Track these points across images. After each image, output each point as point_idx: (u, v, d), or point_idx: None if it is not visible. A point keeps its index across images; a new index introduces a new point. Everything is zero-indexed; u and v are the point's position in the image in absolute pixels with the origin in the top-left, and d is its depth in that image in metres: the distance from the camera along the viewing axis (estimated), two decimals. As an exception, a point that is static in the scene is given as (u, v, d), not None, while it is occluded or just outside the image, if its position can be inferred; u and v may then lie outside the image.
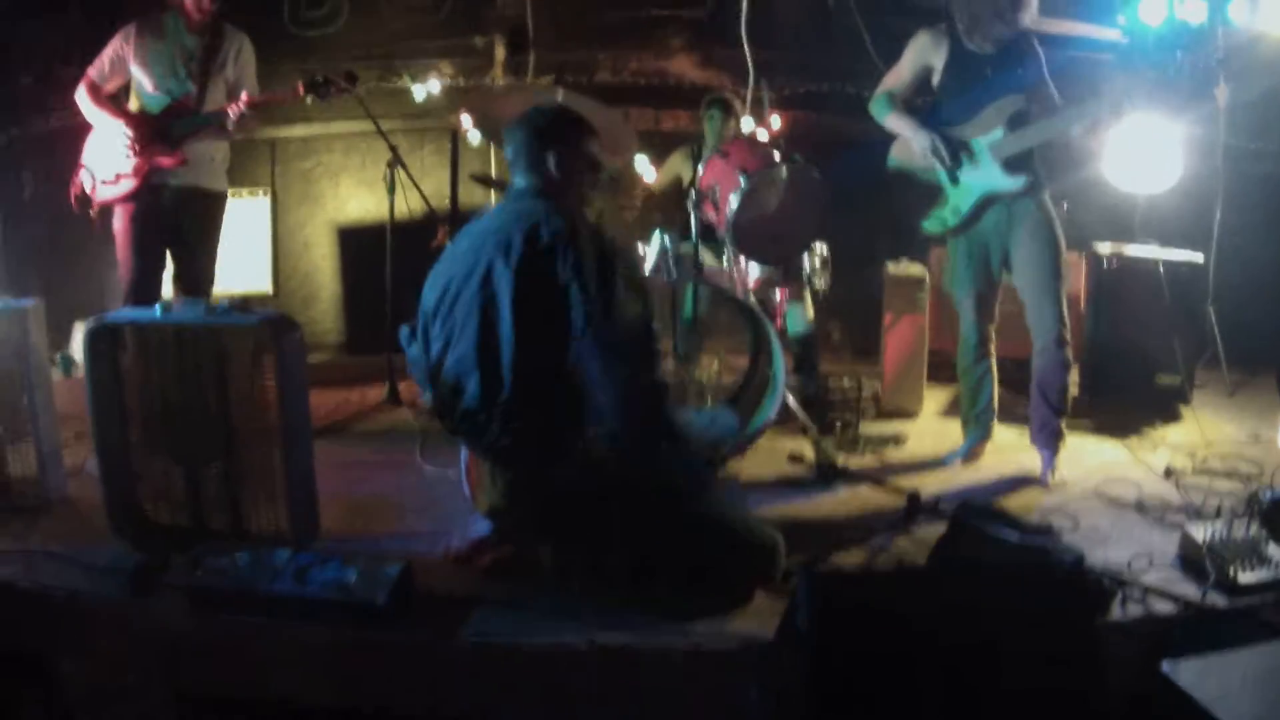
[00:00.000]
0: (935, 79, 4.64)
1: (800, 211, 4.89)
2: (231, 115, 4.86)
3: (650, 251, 4.99)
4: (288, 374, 3.55)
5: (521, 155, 3.57)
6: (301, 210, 7.71)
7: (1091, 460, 4.94)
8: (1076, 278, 6.04)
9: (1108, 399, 5.69)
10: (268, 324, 3.55)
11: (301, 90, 4.97)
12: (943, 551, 3.45)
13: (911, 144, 4.67)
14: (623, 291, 3.30)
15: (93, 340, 3.64)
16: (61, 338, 6.48)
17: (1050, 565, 2.93)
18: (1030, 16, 4.41)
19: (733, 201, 4.68)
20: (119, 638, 3.24)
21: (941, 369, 5.87)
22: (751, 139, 5.36)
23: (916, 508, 3.74)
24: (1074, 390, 5.20)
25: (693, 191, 4.93)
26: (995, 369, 4.86)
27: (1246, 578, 3.33)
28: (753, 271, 5.26)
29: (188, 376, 3.61)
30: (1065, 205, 6.04)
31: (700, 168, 5.03)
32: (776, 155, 4.82)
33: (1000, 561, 3.19)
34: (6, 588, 3.36)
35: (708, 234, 5.10)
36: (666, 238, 4.95)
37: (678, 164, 6.38)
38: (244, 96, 4.90)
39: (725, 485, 4.34)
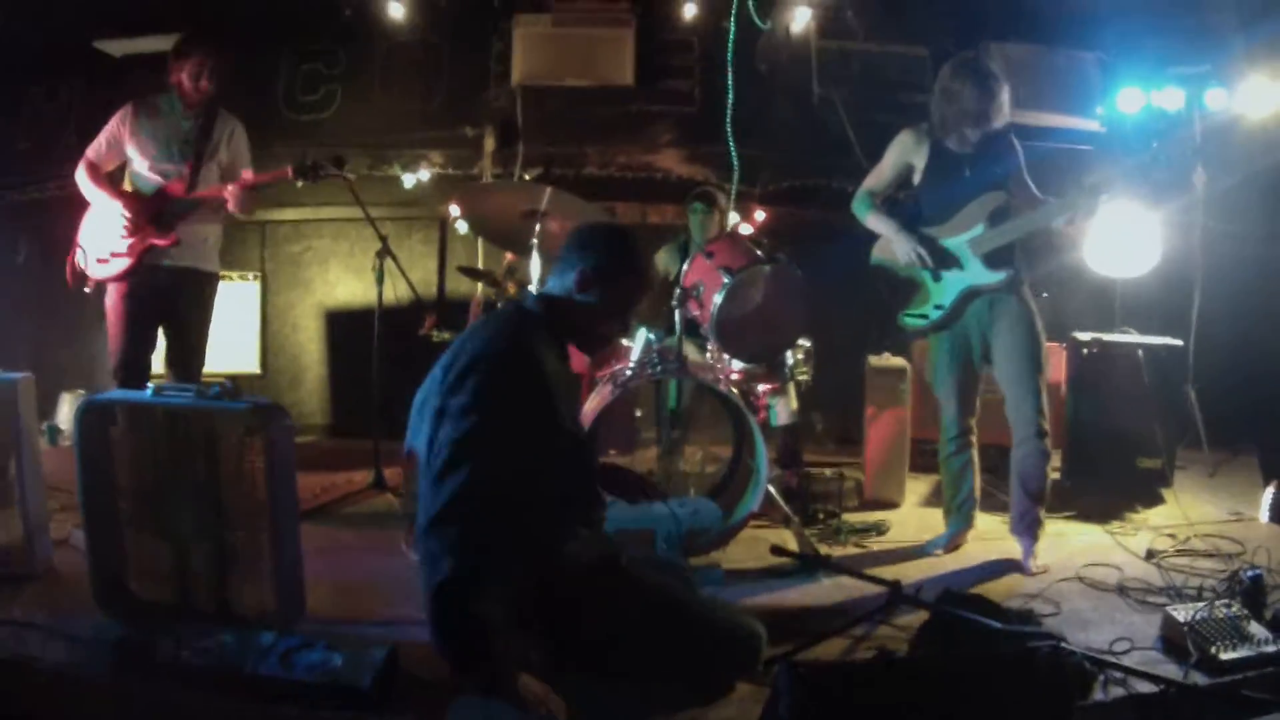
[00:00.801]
0: (916, 177, 4.74)
1: (783, 310, 4.96)
2: (229, 196, 4.97)
3: (634, 347, 5.04)
4: (277, 459, 3.56)
5: (558, 262, 3.34)
6: (291, 293, 7.79)
7: (1073, 545, 4.97)
8: (1057, 365, 6.11)
9: (1089, 483, 5.76)
10: (258, 410, 3.56)
11: (290, 173, 5.06)
12: (924, 640, 3.46)
13: (893, 246, 4.75)
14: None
15: (84, 417, 3.66)
16: (48, 407, 6.49)
17: (1029, 651, 2.94)
18: (1001, 119, 4.52)
19: (717, 300, 4.74)
20: (105, 714, 3.22)
21: (924, 458, 5.92)
22: (735, 237, 5.44)
23: (898, 597, 3.74)
24: (1055, 475, 5.24)
25: (677, 289, 5.00)
26: (977, 459, 4.89)
27: (1228, 656, 3.35)
28: (736, 364, 5.30)
29: (178, 458, 3.62)
30: (1045, 295, 6.13)
31: (686, 265, 5.11)
32: (760, 254, 4.88)
33: (980, 649, 3.21)
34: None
35: (691, 329, 5.17)
36: (651, 335, 5.01)
37: (664, 259, 6.46)
38: (245, 175, 5.02)
39: (707, 576, 4.35)
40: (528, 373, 3.01)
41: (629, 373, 4.92)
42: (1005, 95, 4.49)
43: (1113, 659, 3.41)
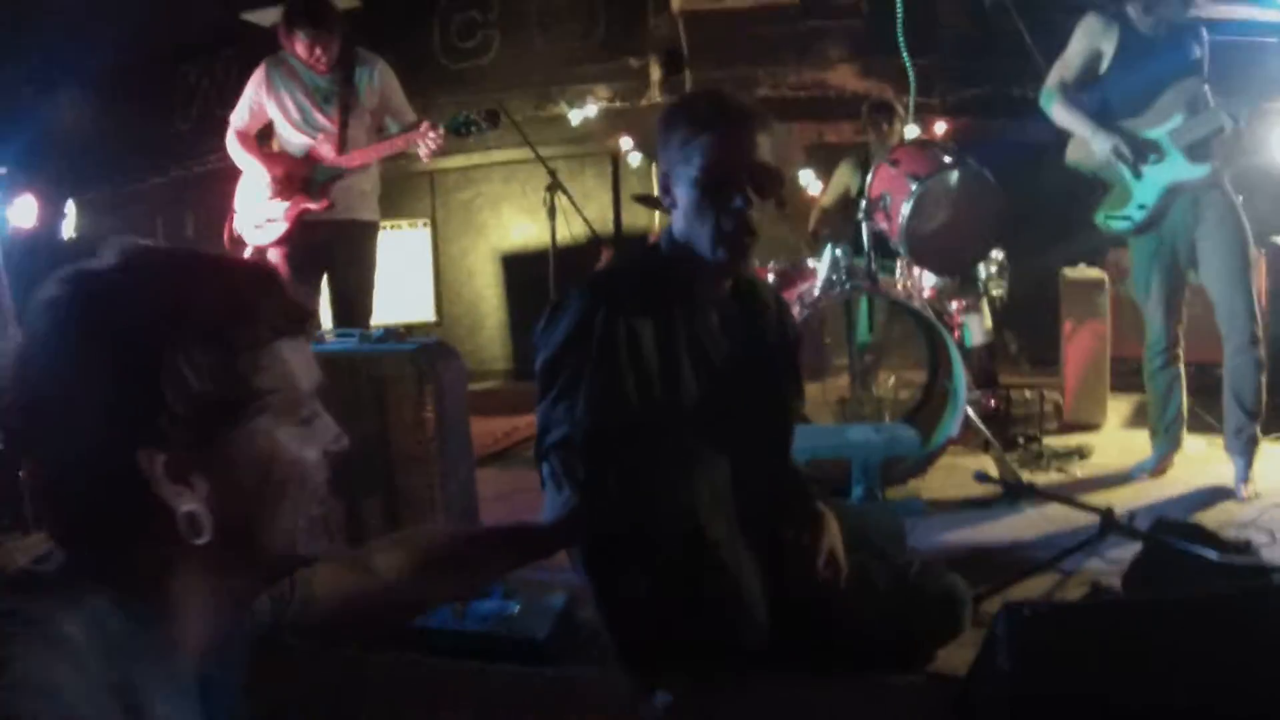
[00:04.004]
0: (1104, 66, 4.35)
1: (975, 216, 4.63)
2: (420, 141, 4.78)
3: (821, 266, 4.79)
4: (447, 401, 3.46)
5: None
6: (464, 240, 7.76)
7: (1282, 469, 4.57)
8: (1258, 274, 5.63)
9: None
10: (425, 351, 3.48)
11: (435, 131, 4.77)
12: (1139, 573, 3.16)
13: (1090, 145, 4.39)
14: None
15: None
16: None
17: (1263, 587, 2.63)
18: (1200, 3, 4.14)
19: (905, 209, 4.45)
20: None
21: (1124, 377, 5.56)
22: (921, 143, 5.13)
23: (1110, 526, 3.43)
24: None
25: (863, 202, 4.73)
26: (1184, 375, 4.54)
27: None
28: (927, 282, 5.05)
29: (344, 407, 3.51)
30: (1240, 198, 5.66)
31: (869, 176, 4.83)
32: (948, 159, 4.58)
33: (1206, 585, 2.89)
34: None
35: (880, 245, 4.89)
36: (838, 251, 4.75)
37: (845, 175, 6.22)
38: (425, 128, 4.75)
39: (907, 507, 4.11)
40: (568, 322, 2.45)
41: (816, 292, 4.68)
42: None
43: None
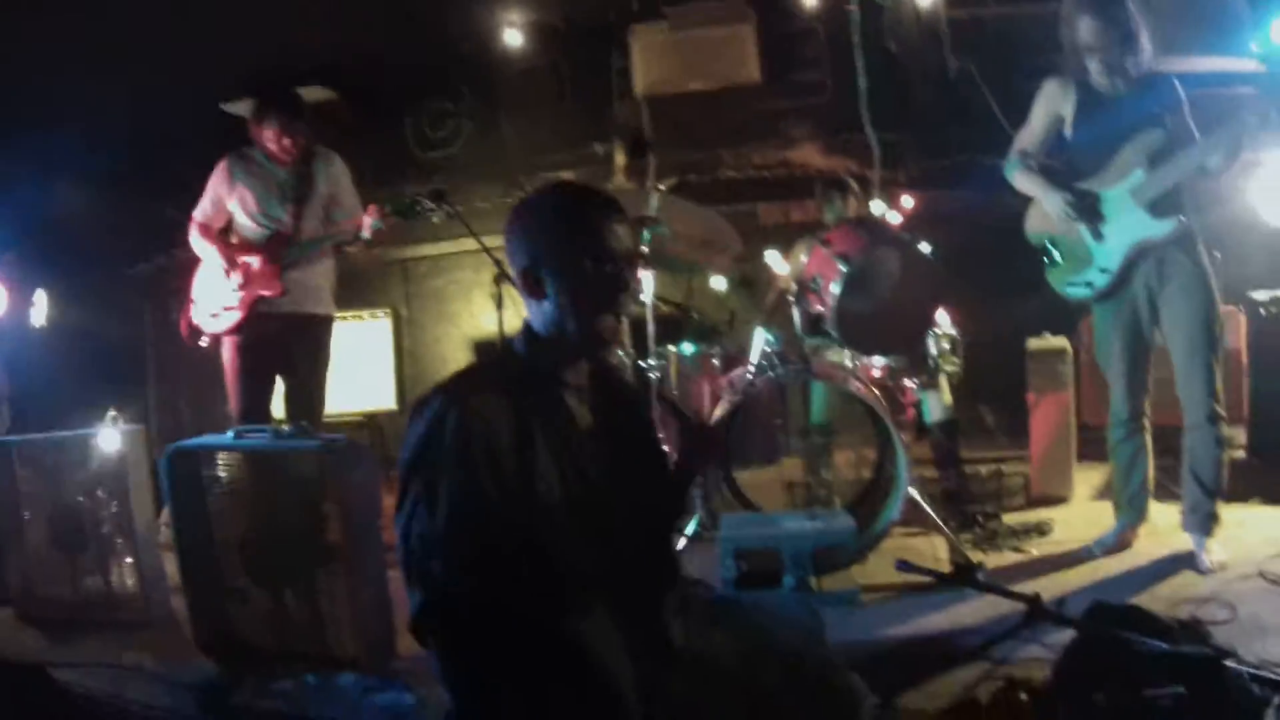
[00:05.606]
0: (1068, 129, 4.31)
1: (910, 296, 4.55)
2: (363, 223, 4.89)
3: (753, 349, 4.76)
4: (354, 498, 3.50)
5: None
6: (437, 327, 7.84)
7: (1255, 535, 4.42)
8: (1236, 331, 5.55)
9: (1275, 461, 5.12)
10: (332, 449, 3.51)
11: (378, 213, 4.90)
12: (1070, 664, 3.02)
13: (1045, 207, 4.35)
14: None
15: (172, 464, 3.70)
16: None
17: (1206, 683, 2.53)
18: (1141, 51, 4.08)
19: (834, 291, 4.38)
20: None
21: (1095, 445, 5.37)
22: (857, 222, 5.11)
23: (1037, 614, 3.31)
24: (1240, 454, 4.74)
25: (793, 285, 4.68)
26: (1150, 444, 4.43)
27: None
28: (877, 360, 4.94)
29: (261, 500, 3.63)
30: (1219, 255, 5.60)
31: (806, 258, 4.81)
32: (882, 237, 4.55)
33: (1139, 675, 2.77)
34: (88, 700, 3.47)
35: (819, 326, 4.85)
36: (768, 336, 4.70)
37: (802, 254, 6.17)
38: (365, 218, 4.90)
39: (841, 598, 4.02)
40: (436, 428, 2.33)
41: (749, 377, 4.62)
42: (1134, 25, 4.06)
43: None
